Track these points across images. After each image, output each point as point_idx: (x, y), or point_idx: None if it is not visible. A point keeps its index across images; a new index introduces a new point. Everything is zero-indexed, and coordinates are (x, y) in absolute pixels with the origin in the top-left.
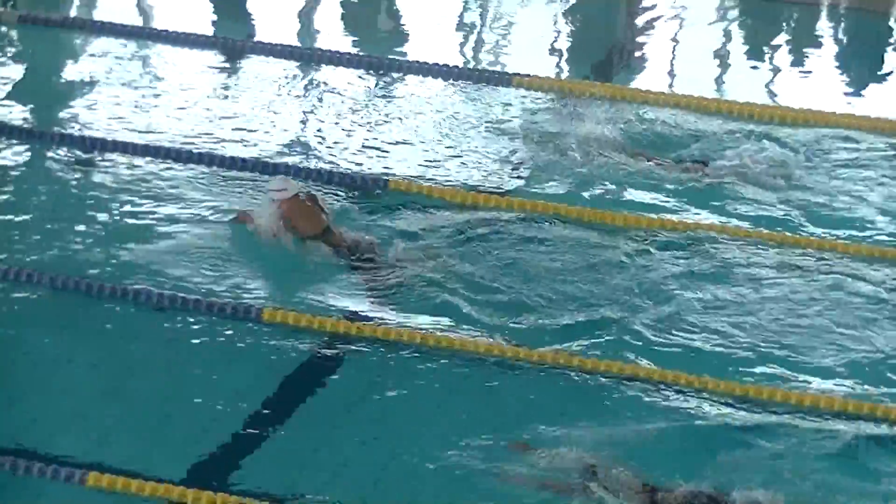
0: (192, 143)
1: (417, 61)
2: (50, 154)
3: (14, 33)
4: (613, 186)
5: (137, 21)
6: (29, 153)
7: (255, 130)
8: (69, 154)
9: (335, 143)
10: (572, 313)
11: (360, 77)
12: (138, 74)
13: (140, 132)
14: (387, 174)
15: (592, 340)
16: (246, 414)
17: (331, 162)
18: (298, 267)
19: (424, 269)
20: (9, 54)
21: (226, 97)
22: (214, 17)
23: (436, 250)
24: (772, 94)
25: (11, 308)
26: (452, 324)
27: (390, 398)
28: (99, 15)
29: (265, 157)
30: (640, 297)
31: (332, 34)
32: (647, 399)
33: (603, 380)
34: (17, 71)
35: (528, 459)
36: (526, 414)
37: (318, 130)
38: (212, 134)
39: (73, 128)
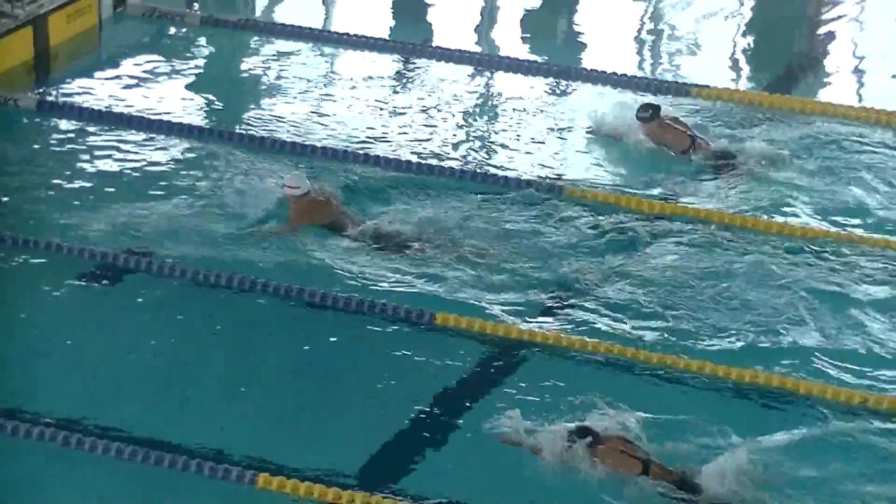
0: (368, 145)
1: (595, 70)
2: (223, 152)
3: (196, 34)
4: (789, 200)
5: (314, 23)
6: (204, 151)
7: (429, 134)
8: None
9: (508, 146)
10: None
11: (533, 84)
12: (314, 76)
13: (313, 134)
14: (560, 180)
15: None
16: (416, 416)
17: (503, 166)
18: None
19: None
20: (191, 54)
21: (399, 100)
22: (391, 21)
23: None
24: None
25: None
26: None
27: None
28: (278, 17)
29: (436, 160)
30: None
31: (508, 40)
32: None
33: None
34: (197, 71)
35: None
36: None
37: (492, 134)
38: (385, 137)
39: (249, 127)
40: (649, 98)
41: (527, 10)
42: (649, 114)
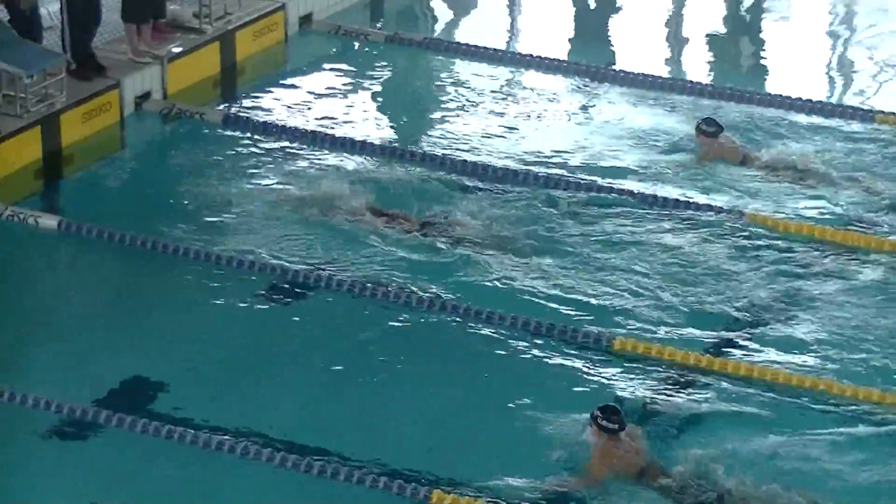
0: (545, 166)
1: (770, 94)
2: (402, 170)
3: (381, 52)
4: None
5: (496, 43)
6: (384, 168)
7: (611, 158)
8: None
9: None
10: None
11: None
12: (493, 96)
13: (491, 153)
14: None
15: None
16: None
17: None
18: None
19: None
20: (374, 72)
21: (578, 123)
22: (572, 42)
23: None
24: None
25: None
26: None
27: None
28: (460, 37)
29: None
30: None
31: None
32: None
33: None
34: (380, 88)
35: None
36: None
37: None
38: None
39: (427, 146)
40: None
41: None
42: (713, 129)
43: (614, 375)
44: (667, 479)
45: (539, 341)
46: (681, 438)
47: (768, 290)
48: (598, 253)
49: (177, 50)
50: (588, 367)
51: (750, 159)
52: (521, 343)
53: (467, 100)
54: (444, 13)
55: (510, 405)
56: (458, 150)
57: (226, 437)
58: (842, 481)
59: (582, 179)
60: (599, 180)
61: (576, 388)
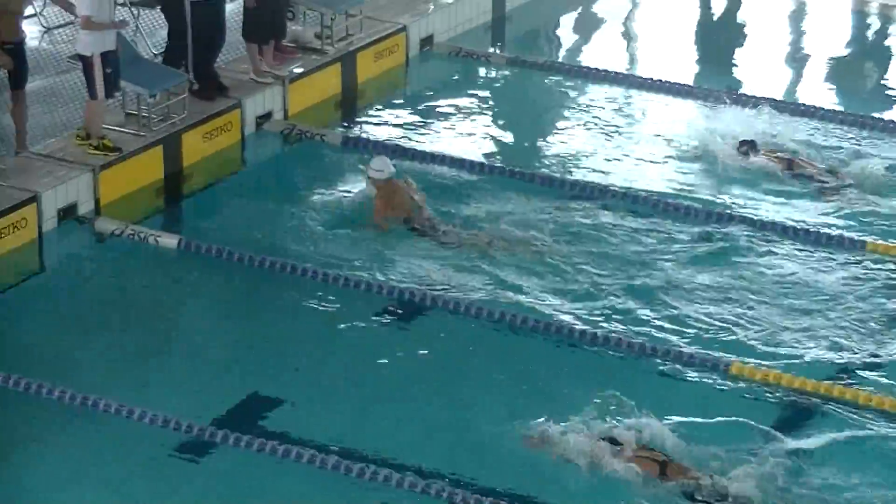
0: (667, 194)
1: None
2: (521, 193)
3: (501, 74)
4: None
5: (617, 67)
6: (507, 189)
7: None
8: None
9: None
10: None
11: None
12: (615, 120)
13: (614, 177)
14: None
15: None
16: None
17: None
18: None
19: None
20: (496, 94)
21: (697, 148)
22: (694, 66)
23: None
24: None
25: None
26: None
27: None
28: (582, 60)
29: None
30: None
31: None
32: None
33: None
34: (502, 110)
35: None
36: None
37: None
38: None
39: (547, 168)
40: None
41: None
42: (745, 149)
43: (732, 399)
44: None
45: (662, 366)
46: (798, 465)
47: (882, 316)
48: (719, 279)
49: (298, 70)
50: (706, 391)
51: (796, 165)
52: (641, 366)
53: (588, 122)
54: (566, 36)
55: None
56: (578, 172)
57: (343, 457)
58: None
59: (705, 207)
60: (722, 209)
61: (695, 412)
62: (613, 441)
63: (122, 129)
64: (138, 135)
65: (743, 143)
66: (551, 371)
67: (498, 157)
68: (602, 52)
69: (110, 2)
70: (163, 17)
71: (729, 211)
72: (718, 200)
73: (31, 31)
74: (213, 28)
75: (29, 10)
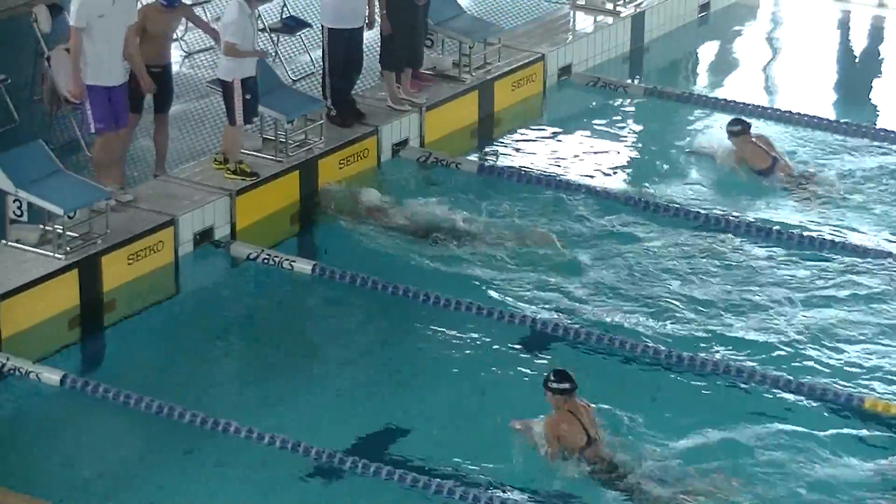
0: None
1: None
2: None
3: (638, 105)
4: None
5: (758, 100)
6: (650, 222)
7: None
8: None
9: None
10: None
11: None
12: None
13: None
14: None
15: None
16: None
17: None
18: None
19: None
20: (633, 124)
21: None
22: (831, 97)
23: None
24: None
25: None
26: None
27: None
28: (722, 92)
29: None
30: None
31: None
32: None
33: None
34: (639, 140)
35: None
36: None
37: None
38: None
39: (683, 200)
40: None
41: None
42: (738, 128)
43: (866, 435)
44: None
45: (789, 398)
46: None
47: None
48: (848, 311)
49: (436, 98)
50: (839, 427)
51: (780, 168)
52: (770, 400)
53: None
54: (704, 68)
55: (760, 458)
56: (717, 205)
57: (469, 486)
58: None
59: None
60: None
61: (824, 448)
62: None
63: (259, 155)
64: (275, 160)
65: (736, 121)
66: (690, 401)
67: (634, 187)
68: (739, 84)
69: (254, 29)
70: (301, 43)
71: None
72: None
73: (172, 56)
74: (350, 55)
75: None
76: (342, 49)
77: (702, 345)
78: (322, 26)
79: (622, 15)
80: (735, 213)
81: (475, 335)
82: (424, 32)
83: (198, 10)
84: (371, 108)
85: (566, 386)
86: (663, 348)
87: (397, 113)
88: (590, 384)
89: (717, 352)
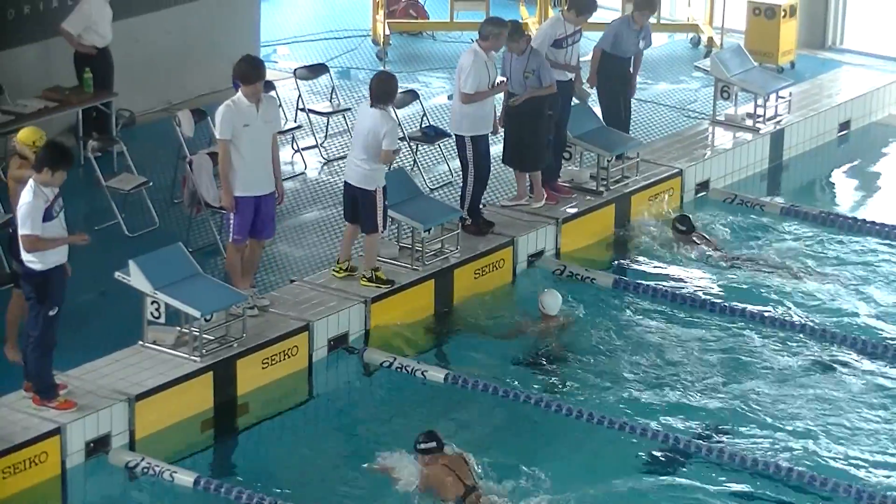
0: None
1: None
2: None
3: (775, 223)
4: None
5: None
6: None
7: None
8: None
9: None
10: None
11: None
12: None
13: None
14: None
15: None
16: None
17: None
18: None
19: None
20: (769, 242)
21: None
22: None
23: None
24: None
25: None
26: None
27: None
28: (863, 212)
29: None
30: None
31: None
32: None
33: None
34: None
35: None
36: None
37: None
38: None
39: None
40: None
41: None
42: (685, 228)
43: None
44: None
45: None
46: None
47: None
48: None
49: (572, 210)
50: None
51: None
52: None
53: (870, 278)
54: (843, 187)
55: None
56: (858, 328)
57: None
58: None
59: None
60: None
61: None
62: None
63: (395, 262)
64: (411, 268)
65: (683, 219)
66: None
67: (779, 308)
68: (878, 204)
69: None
70: (440, 152)
71: None
72: None
73: (311, 163)
74: (487, 161)
75: (310, 141)
76: (482, 156)
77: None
78: (459, 136)
79: (762, 132)
80: (865, 335)
81: (607, 446)
82: (563, 145)
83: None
84: (508, 218)
85: (433, 445)
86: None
87: (533, 224)
88: None
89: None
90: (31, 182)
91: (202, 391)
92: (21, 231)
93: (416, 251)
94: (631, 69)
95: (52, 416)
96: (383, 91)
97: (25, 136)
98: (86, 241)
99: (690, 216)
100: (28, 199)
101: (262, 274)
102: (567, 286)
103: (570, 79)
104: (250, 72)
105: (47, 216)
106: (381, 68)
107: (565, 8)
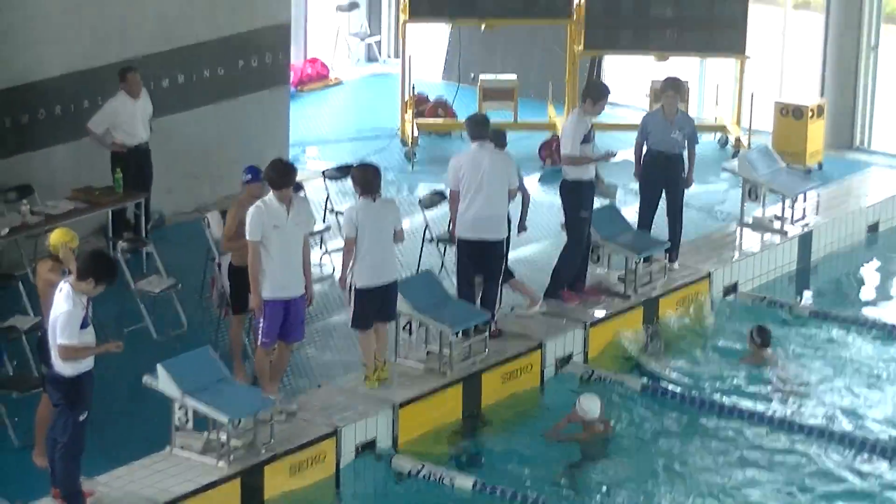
0: None
1: None
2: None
3: (804, 325)
4: None
5: None
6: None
7: None
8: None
9: None
10: None
11: None
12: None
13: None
14: None
15: None
16: None
17: None
18: None
19: None
20: (799, 346)
21: None
22: None
23: None
24: None
25: None
26: None
27: None
28: (887, 316)
29: None
30: None
31: None
32: None
33: None
34: (805, 363)
35: None
36: None
37: None
38: None
39: (849, 426)
40: None
41: None
42: (761, 341)
43: None
44: None
45: None
46: None
47: None
48: None
49: (600, 314)
50: None
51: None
52: None
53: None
54: (872, 290)
55: None
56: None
57: None
58: None
59: None
60: None
61: None
62: None
63: (423, 367)
64: (439, 373)
65: (762, 331)
66: None
67: (798, 413)
68: None
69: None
70: None
71: None
72: None
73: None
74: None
75: (339, 243)
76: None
77: None
78: (489, 240)
79: (790, 234)
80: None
81: None
82: (588, 248)
83: None
84: (537, 322)
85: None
86: None
87: (562, 328)
88: None
89: None
90: (67, 289)
91: (229, 498)
92: (59, 340)
93: (443, 355)
94: (666, 161)
95: None
96: (363, 181)
97: (57, 238)
98: (120, 348)
99: (770, 329)
100: (67, 308)
101: (290, 377)
102: (597, 390)
103: (592, 178)
104: (277, 179)
105: (84, 324)
106: (410, 169)
107: (584, 103)
